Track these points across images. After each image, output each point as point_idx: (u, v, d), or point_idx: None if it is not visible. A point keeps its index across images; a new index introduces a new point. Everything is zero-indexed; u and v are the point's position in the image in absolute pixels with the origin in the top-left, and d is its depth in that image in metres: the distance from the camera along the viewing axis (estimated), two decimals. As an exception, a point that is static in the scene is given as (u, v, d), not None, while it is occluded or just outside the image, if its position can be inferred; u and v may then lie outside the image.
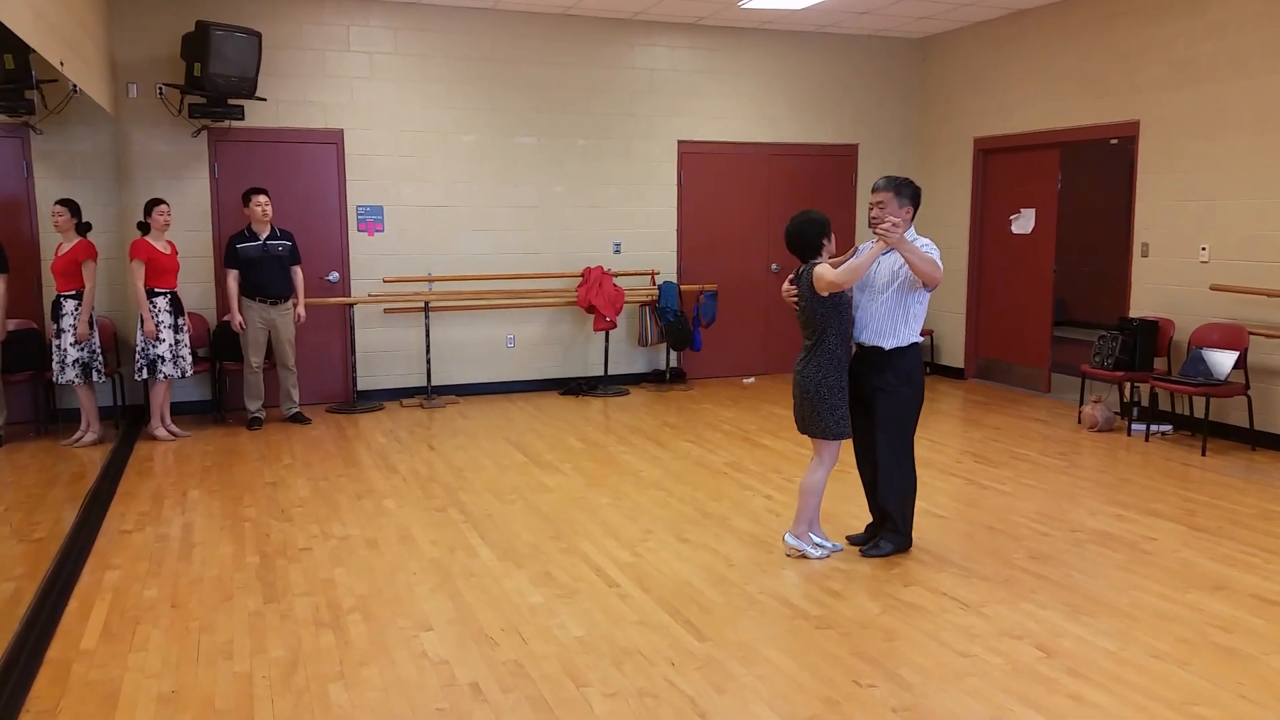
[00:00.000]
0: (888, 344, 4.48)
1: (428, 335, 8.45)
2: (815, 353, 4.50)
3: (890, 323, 4.48)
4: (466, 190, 8.66)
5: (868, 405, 4.58)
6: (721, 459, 6.58)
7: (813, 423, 4.53)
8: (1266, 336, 6.71)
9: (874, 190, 4.55)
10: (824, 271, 4.36)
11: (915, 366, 4.56)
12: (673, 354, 9.42)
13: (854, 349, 4.61)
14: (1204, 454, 6.68)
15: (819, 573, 4.51)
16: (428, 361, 8.50)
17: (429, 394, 8.54)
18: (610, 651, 3.69)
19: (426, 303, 8.41)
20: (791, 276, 4.58)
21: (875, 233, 4.32)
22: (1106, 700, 3.32)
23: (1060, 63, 8.42)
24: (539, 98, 8.78)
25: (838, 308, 4.45)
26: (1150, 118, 7.63)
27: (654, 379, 9.40)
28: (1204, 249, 7.25)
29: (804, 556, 4.66)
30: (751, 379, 9.69)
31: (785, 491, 5.80)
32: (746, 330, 9.82)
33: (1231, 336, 6.86)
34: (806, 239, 4.51)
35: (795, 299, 4.54)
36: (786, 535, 4.74)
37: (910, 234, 4.47)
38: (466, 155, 8.63)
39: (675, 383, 9.34)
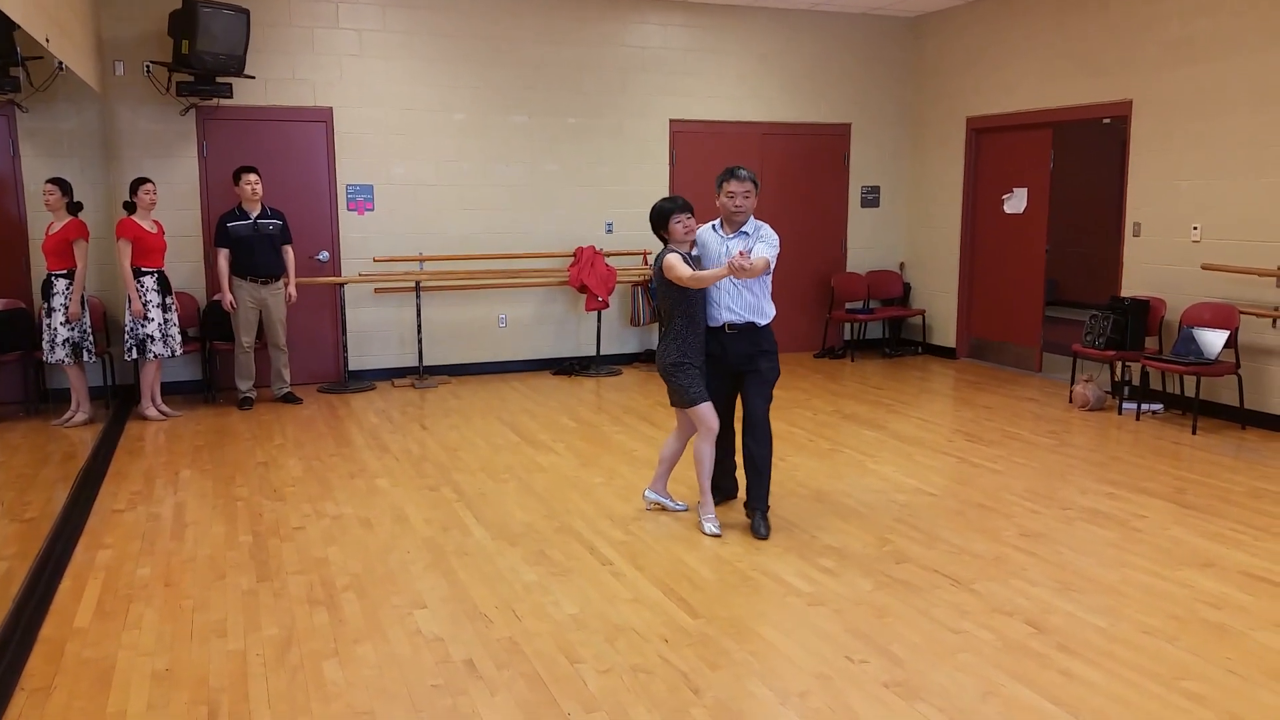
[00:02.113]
0: (761, 321, 4.76)
1: (419, 315, 8.42)
2: (665, 335, 4.79)
3: (760, 303, 4.75)
4: (457, 169, 8.61)
5: (745, 373, 4.79)
6: (714, 438, 6.58)
7: (673, 396, 4.80)
8: (1257, 316, 6.73)
9: (739, 179, 4.71)
10: (675, 264, 4.58)
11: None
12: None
13: (724, 328, 4.75)
14: (1194, 433, 6.71)
15: (811, 550, 4.52)
16: (419, 341, 8.48)
17: (421, 374, 8.53)
18: (604, 629, 3.71)
19: (418, 282, 8.38)
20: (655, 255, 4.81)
21: (731, 268, 4.28)
22: (1097, 676, 3.35)
23: (1053, 42, 8.39)
24: (530, 75, 8.73)
25: (685, 296, 4.67)
26: (1143, 97, 7.63)
27: (647, 359, 9.39)
28: (1195, 229, 7.26)
29: (663, 510, 5.05)
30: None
31: (777, 470, 5.80)
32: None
33: (1222, 316, 6.88)
34: (654, 228, 4.77)
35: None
36: (647, 491, 5.12)
37: (753, 223, 4.77)
38: (457, 133, 8.58)
39: (667, 362, 9.33)
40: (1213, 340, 6.79)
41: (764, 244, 4.67)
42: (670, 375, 4.75)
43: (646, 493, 5.12)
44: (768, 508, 4.80)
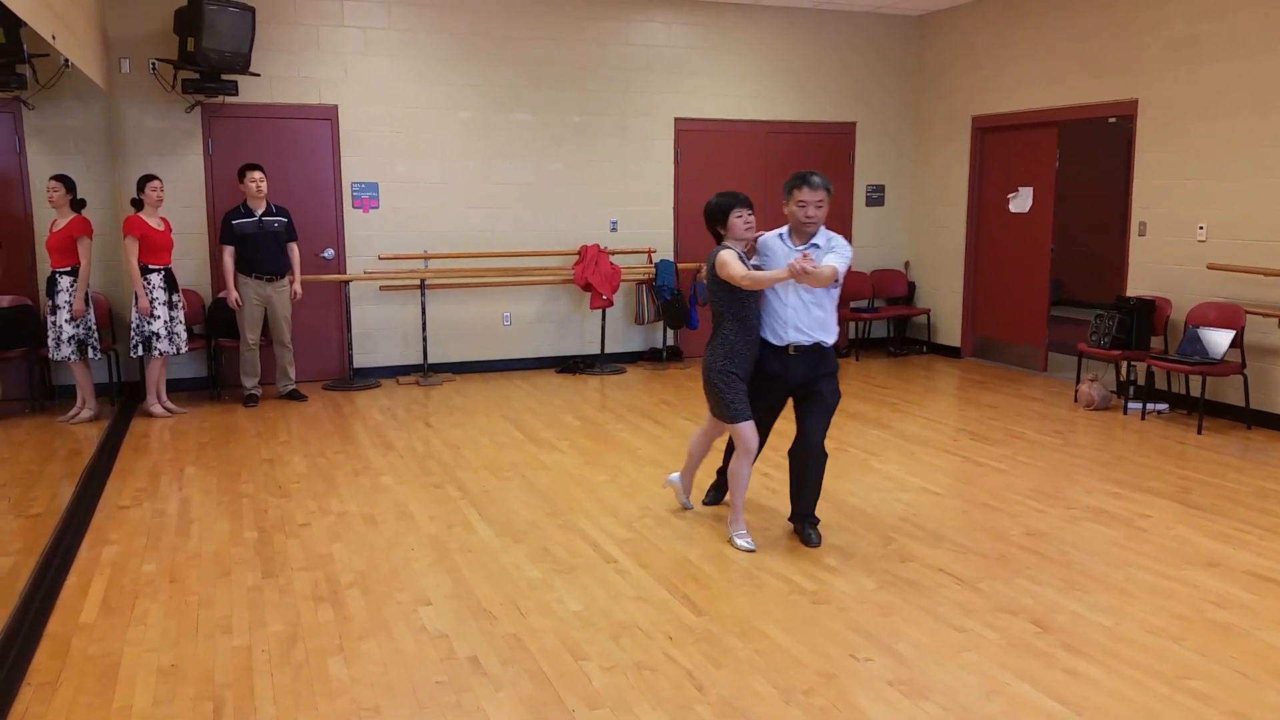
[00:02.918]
0: (828, 340, 4.50)
1: (424, 313, 8.43)
2: (713, 338, 4.53)
3: (829, 319, 4.48)
4: (462, 167, 8.62)
5: (804, 396, 4.55)
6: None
7: (713, 406, 4.58)
8: (1263, 315, 6.72)
9: (813, 187, 4.38)
10: (729, 261, 4.32)
11: None
12: (669, 332, 9.41)
13: (789, 349, 4.47)
14: (1200, 432, 6.70)
15: (815, 549, 4.52)
16: (424, 339, 8.49)
17: (425, 371, 8.53)
18: (608, 626, 3.71)
19: (422, 280, 8.39)
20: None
21: (792, 271, 4.05)
22: (1101, 675, 3.34)
23: (1059, 41, 8.38)
24: (535, 74, 8.73)
25: (737, 299, 4.42)
26: (1149, 97, 7.61)
27: (651, 357, 9.39)
28: (1201, 228, 7.25)
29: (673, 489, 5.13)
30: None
31: (781, 469, 5.80)
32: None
33: (1228, 316, 6.87)
34: (710, 224, 4.51)
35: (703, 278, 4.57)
36: (672, 475, 5.14)
37: (825, 233, 4.49)
38: (462, 132, 8.58)
39: (672, 361, 9.34)
40: (1218, 340, 6.77)
41: (835, 254, 4.34)
42: (713, 382, 4.49)
43: (671, 476, 5.12)
44: (817, 519, 4.68)
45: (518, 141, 8.76)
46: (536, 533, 4.74)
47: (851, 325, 10.05)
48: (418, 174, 8.49)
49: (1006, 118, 8.99)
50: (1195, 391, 7.06)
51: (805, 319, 4.43)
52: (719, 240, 4.50)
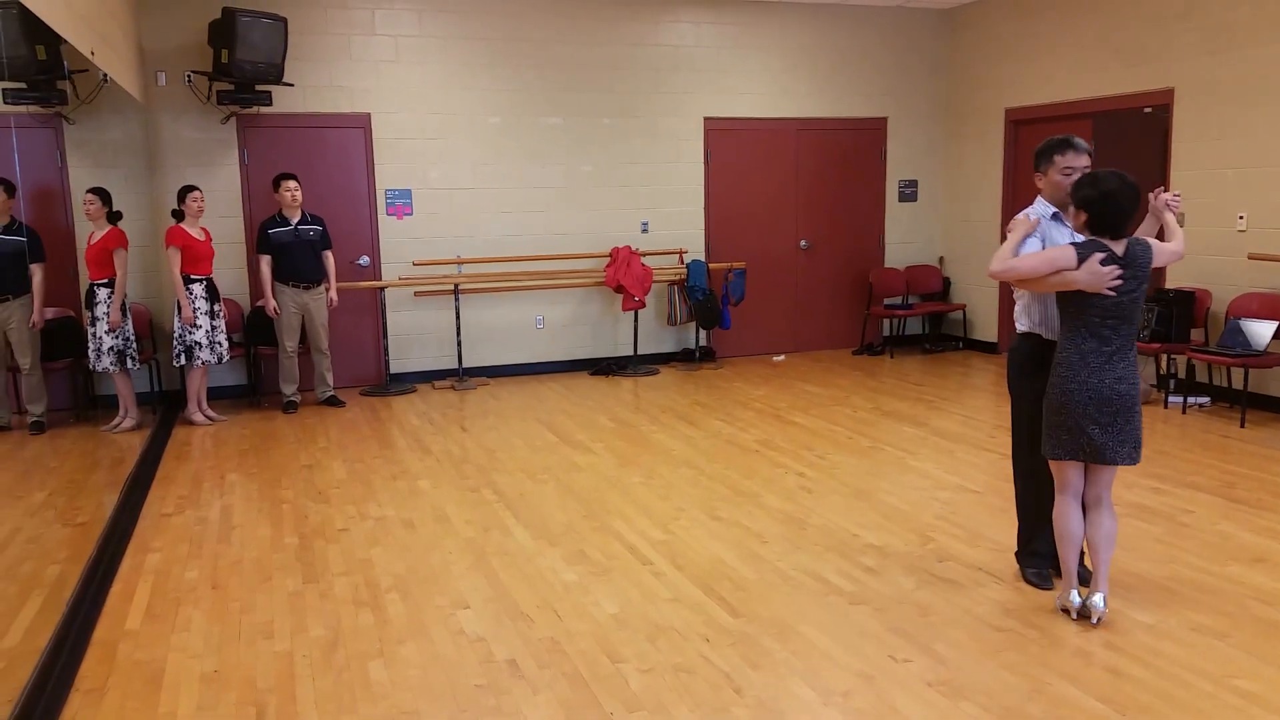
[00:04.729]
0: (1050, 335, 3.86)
1: (458, 317, 8.49)
2: (1131, 351, 3.64)
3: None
4: (493, 172, 8.67)
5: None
6: (753, 437, 6.57)
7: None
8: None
9: (1080, 151, 3.92)
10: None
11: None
12: (702, 333, 9.40)
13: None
14: (1243, 425, 6.59)
15: (853, 549, 4.50)
16: (458, 344, 8.55)
17: (460, 376, 8.59)
18: (645, 628, 3.71)
19: (456, 285, 8.45)
20: (1104, 257, 3.53)
21: (1157, 204, 3.77)
22: (1145, 674, 3.30)
23: (1092, 30, 8.27)
24: (564, 77, 8.76)
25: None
26: (1185, 85, 7.49)
27: (684, 358, 9.39)
28: (1241, 218, 7.12)
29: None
30: (781, 357, 9.66)
31: (817, 469, 5.79)
32: (776, 308, 9.78)
33: (1271, 306, 6.75)
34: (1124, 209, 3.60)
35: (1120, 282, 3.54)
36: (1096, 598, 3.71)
37: (1067, 229, 3.84)
38: (492, 137, 8.63)
39: (705, 361, 9.33)
40: (1261, 331, 6.66)
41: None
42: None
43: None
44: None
45: (548, 145, 8.79)
46: (572, 535, 4.76)
47: (885, 322, 9.98)
48: (450, 179, 8.55)
49: (1040, 110, 8.90)
50: (1237, 384, 6.94)
51: (1049, 311, 3.86)
52: (1121, 232, 3.59)
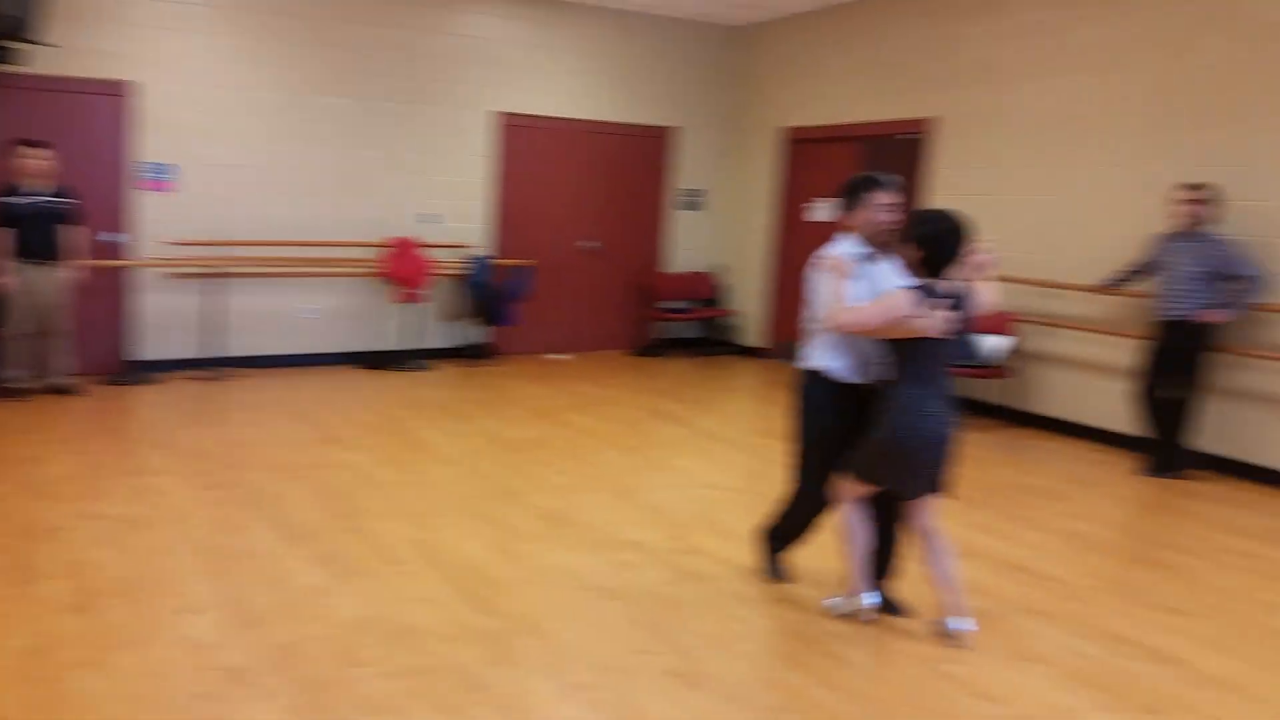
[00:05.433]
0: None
1: (218, 303, 7.98)
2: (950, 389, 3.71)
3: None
4: (271, 151, 8.20)
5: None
6: (523, 435, 6.53)
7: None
8: (1036, 324, 7.24)
9: (895, 188, 3.81)
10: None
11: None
12: (482, 329, 9.27)
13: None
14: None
15: (611, 546, 4.53)
16: (217, 331, 8.03)
17: (217, 365, 8.08)
18: (390, 630, 3.59)
19: (220, 268, 7.94)
20: (949, 302, 3.54)
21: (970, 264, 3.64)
22: (869, 661, 3.48)
23: (867, 58, 8.75)
24: (354, 58, 8.40)
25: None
26: (947, 115, 8.05)
27: (462, 354, 9.23)
28: (989, 241, 7.72)
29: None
30: (565, 356, 9.66)
31: (583, 467, 5.81)
32: (563, 307, 9.77)
33: (1001, 323, 7.36)
34: (949, 245, 3.62)
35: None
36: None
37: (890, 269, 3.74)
38: (272, 114, 8.16)
39: (484, 358, 9.21)
40: (994, 344, 7.26)
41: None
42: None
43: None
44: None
45: (332, 127, 8.40)
46: (321, 536, 4.55)
47: (662, 325, 10.19)
48: (223, 156, 8.00)
49: (816, 130, 9.32)
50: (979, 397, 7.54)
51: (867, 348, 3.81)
52: (943, 272, 3.58)
